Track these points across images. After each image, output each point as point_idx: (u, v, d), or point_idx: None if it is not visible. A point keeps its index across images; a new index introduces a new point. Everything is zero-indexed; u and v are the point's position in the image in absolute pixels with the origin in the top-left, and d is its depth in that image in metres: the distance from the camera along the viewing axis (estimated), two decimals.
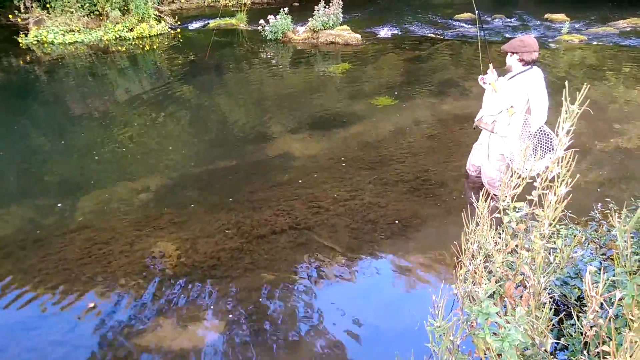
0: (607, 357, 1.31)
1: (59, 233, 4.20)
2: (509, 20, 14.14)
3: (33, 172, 5.27)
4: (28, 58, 9.71)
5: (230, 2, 16.04)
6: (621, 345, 1.26)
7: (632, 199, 3.59)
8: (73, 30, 11.00)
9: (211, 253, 3.94)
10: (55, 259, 3.86)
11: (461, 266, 1.95)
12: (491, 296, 1.84)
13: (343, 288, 3.64)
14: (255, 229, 4.26)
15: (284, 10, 11.38)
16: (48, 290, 3.54)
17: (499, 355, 1.38)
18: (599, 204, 3.49)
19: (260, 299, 3.49)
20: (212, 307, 3.41)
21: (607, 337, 1.42)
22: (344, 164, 5.42)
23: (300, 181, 5.07)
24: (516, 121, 4.17)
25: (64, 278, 3.65)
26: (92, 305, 3.43)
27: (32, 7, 11.16)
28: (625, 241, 1.53)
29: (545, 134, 4.20)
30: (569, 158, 1.60)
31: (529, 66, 4.07)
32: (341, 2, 11.46)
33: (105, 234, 4.18)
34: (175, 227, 4.30)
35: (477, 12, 4.70)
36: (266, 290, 3.58)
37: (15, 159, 5.50)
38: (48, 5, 11.14)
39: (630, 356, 1.21)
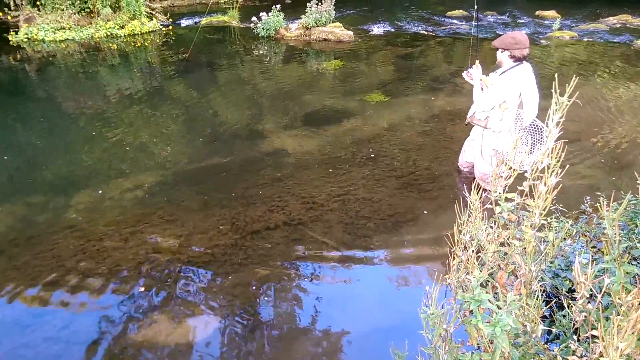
0: (596, 341, 1.34)
1: (52, 230, 4.19)
2: (500, 17, 14.22)
3: (25, 169, 5.24)
4: (18, 56, 9.64)
5: None
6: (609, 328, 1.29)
7: (622, 192, 3.64)
8: (64, 28, 10.93)
9: (205, 249, 3.95)
10: (49, 255, 3.85)
11: (454, 257, 1.98)
12: (484, 286, 1.87)
13: (338, 282, 3.66)
14: (249, 225, 4.27)
15: (276, 7, 11.37)
16: (42, 287, 3.53)
17: (491, 342, 1.41)
18: (588, 197, 3.53)
19: (255, 294, 3.51)
20: (206, 302, 3.42)
21: (595, 322, 1.45)
22: (337, 160, 5.44)
23: (293, 177, 5.09)
24: (509, 116, 4.21)
25: (59, 275, 3.65)
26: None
27: (22, 4, 11.05)
28: (613, 228, 1.56)
29: (538, 128, 4.24)
30: (559, 149, 1.63)
31: (519, 62, 4.11)
32: (333, 0, 11.46)
33: (98, 231, 4.17)
34: (169, 223, 4.30)
35: (476, 7, 4.77)
36: (261, 285, 3.60)
37: (6, 156, 5.47)
38: (38, 3, 11.04)
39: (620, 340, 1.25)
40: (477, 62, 4.39)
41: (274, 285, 3.60)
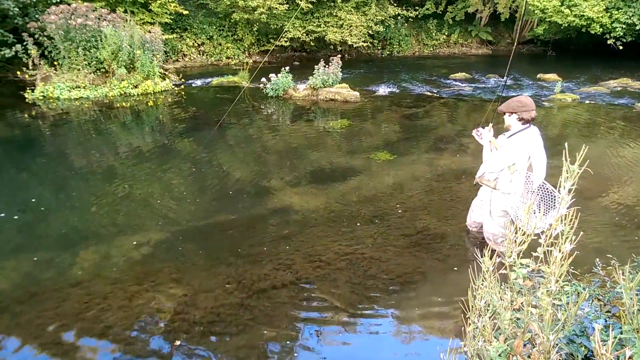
0: None
1: (57, 287, 4.15)
2: (502, 79, 14.61)
3: (32, 225, 5.26)
4: (33, 113, 9.91)
5: (232, 60, 16.58)
6: None
7: (634, 254, 3.60)
8: (79, 87, 11.28)
9: (211, 308, 3.89)
10: (53, 314, 3.79)
11: (469, 323, 1.93)
12: (500, 355, 1.82)
13: (344, 345, 3.56)
14: (256, 284, 4.22)
15: (285, 69, 11.76)
16: (45, 346, 3.45)
17: None
18: (597, 259, 3.49)
19: (260, 357, 3.41)
20: None
21: None
22: (344, 218, 5.44)
23: (300, 235, 5.08)
24: (518, 178, 4.24)
25: (62, 333, 3.57)
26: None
27: (40, 64, 11.48)
28: (631, 298, 1.54)
29: (548, 191, 4.26)
30: (572, 216, 1.64)
31: (528, 124, 4.20)
32: (340, 62, 11.86)
33: (103, 289, 4.13)
34: (174, 281, 4.26)
35: (505, 77, 5.06)
36: (266, 347, 3.50)
37: (15, 212, 5.51)
38: (55, 63, 11.47)
39: None
40: (490, 124, 4.50)
41: (280, 348, 3.50)
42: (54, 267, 4.47)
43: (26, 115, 9.71)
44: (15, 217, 5.39)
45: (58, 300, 3.96)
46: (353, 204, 5.83)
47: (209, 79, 13.57)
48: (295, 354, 3.46)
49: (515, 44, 5.11)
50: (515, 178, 4.22)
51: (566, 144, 1.68)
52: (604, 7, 15.96)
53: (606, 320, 2.59)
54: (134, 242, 4.90)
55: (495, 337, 1.73)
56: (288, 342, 3.56)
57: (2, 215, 5.40)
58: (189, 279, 4.30)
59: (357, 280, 4.30)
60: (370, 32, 17.46)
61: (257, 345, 3.51)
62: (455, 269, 4.46)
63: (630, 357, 1.38)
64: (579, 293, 2.59)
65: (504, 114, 4.28)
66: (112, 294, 4.05)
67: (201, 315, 3.81)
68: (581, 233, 1.82)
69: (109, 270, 4.43)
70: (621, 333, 1.72)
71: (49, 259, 4.60)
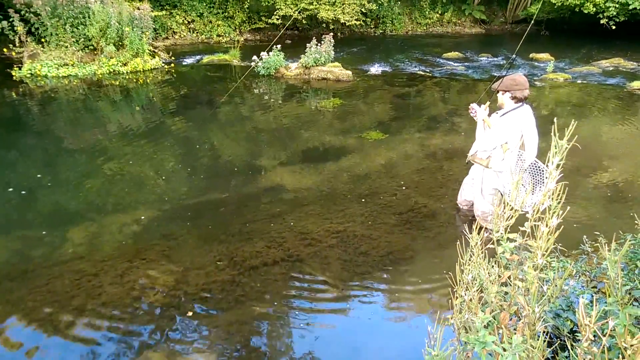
0: None
1: (48, 264, 4.14)
2: (495, 59, 14.57)
3: (22, 203, 5.22)
4: (21, 90, 9.75)
5: (223, 38, 16.35)
6: None
7: (621, 232, 3.65)
8: (67, 64, 11.09)
9: (202, 285, 3.91)
10: (44, 290, 3.79)
11: (456, 297, 1.96)
12: (486, 327, 1.85)
13: (335, 321, 3.61)
14: (247, 261, 4.24)
15: (276, 47, 11.61)
16: (36, 323, 3.46)
17: None
18: (584, 236, 3.53)
19: (251, 333, 3.45)
20: (202, 340, 3.36)
21: None
22: (335, 197, 5.46)
23: (292, 213, 5.09)
24: (510, 156, 4.27)
25: (53, 310, 3.58)
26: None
27: (27, 41, 11.24)
28: (615, 272, 1.57)
29: (539, 169, 4.30)
30: (560, 191, 1.65)
31: (521, 103, 4.20)
32: (332, 40, 11.74)
33: (94, 266, 4.13)
34: (166, 259, 4.27)
35: (514, 55, 5.14)
36: (257, 323, 3.54)
37: (4, 190, 5.46)
38: (43, 40, 11.24)
39: None
40: (488, 103, 4.50)
41: (271, 324, 3.54)
42: (45, 245, 4.46)
43: (13, 93, 9.55)
44: (5, 195, 5.34)
45: (49, 277, 3.96)
46: (344, 183, 5.84)
47: (200, 57, 13.39)
48: (286, 330, 3.50)
49: (530, 25, 5.16)
50: (507, 156, 4.24)
51: (555, 119, 1.68)
52: None
53: (592, 296, 2.64)
54: (124, 220, 4.89)
55: (481, 310, 1.76)
56: (279, 318, 3.60)
57: (11, 189, 5.36)
58: (180, 256, 4.31)
59: (347, 257, 4.33)
60: (363, 10, 17.24)
61: (248, 322, 3.54)
62: (445, 246, 4.50)
63: (612, 329, 1.41)
64: (565, 269, 2.63)
65: (498, 92, 4.28)
66: (102, 272, 4.05)
67: (192, 291, 3.83)
68: (568, 208, 1.84)
69: (100, 247, 4.42)
70: (606, 306, 1.75)
71: (40, 237, 4.58)
